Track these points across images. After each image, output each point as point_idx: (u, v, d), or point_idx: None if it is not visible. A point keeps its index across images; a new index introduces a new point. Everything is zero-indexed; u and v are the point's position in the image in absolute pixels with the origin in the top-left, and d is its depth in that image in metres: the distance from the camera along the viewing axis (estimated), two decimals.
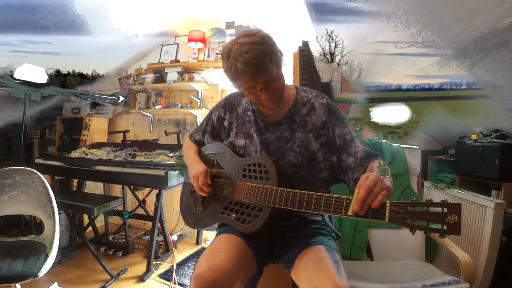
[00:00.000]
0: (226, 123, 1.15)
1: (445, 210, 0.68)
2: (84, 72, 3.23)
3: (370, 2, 2.03)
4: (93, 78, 3.30)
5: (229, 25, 3.10)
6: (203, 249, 2.67)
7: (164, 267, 2.27)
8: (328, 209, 0.81)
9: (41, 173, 1.52)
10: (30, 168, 1.53)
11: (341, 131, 1.01)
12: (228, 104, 1.15)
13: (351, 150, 0.98)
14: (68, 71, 3.07)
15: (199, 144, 1.23)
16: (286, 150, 1.03)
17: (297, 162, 1.01)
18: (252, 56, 0.87)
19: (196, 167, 1.08)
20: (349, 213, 0.74)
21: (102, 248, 2.48)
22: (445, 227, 0.67)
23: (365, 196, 0.72)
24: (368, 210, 0.73)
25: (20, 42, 2.48)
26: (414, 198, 0.72)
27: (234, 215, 0.96)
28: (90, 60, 3.02)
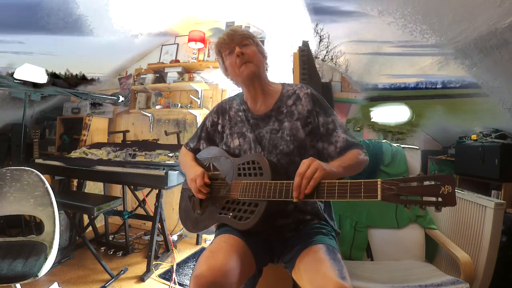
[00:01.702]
0: (219, 127, 1.21)
1: (438, 182, 0.67)
2: (88, 76, 3.23)
3: (370, 1, 2.03)
4: (92, 80, 3.30)
5: (229, 25, 3.09)
6: (203, 249, 2.67)
7: (164, 267, 2.27)
8: (322, 195, 0.81)
9: (41, 173, 1.52)
10: (30, 168, 1.53)
11: (324, 120, 1.06)
12: (221, 109, 1.22)
13: (332, 139, 1.03)
14: (72, 73, 3.06)
15: (195, 151, 1.28)
16: (277, 140, 1.06)
17: (289, 151, 1.04)
18: (236, 28, 1.15)
19: (193, 171, 1.11)
20: (294, 200, 0.82)
21: (102, 248, 2.48)
22: (439, 199, 0.66)
23: (298, 183, 0.81)
24: (361, 190, 0.74)
25: (20, 42, 2.49)
26: (405, 174, 0.72)
27: (231, 214, 0.97)
28: (91, 61, 3.02)
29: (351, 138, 1.03)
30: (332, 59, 2.87)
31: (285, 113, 1.08)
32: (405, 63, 2.42)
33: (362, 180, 0.75)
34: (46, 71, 2.32)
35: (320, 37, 2.61)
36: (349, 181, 0.78)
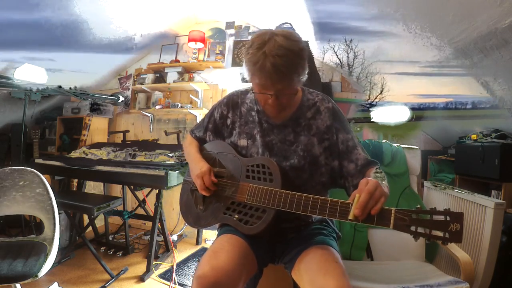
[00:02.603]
0: (229, 121, 1.13)
1: (448, 218, 0.70)
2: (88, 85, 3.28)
3: (368, 6, 2.02)
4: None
5: (229, 25, 3.10)
6: (203, 249, 2.67)
7: (164, 267, 2.27)
8: (333, 214, 0.81)
9: (41, 173, 1.52)
10: (30, 168, 1.53)
11: (344, 137, 1.01)
12: (232, 102, 1.13)
13: (353, 156, 0.99)
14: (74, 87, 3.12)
15: (201, 141, 1.21)
16: (289, 153, 1.02)
17: (299, 166, 1.00)
18: (284, 64, 0.85)
19: (199, 166, 1.06)
20: (350, 217, 0.76)
21: (102, 248, 2.48)
22: (447, 235, 0.69)
23: (366, 200, 0.74)
24: (373, 216, 0.74)
25: (51, 59, 2.56)
26: (418, 206, 0.74)
27: (236, 216, 0.96)
28: (89, 59, 3.01)
29: (368, 155, 1.00)
30: (367, 76, 2.87)
31: (303, 126, 1.03)
32: (434, 83, 2.41)
33: None
34: (75, 87, 2.38)
35: (355, 53, 2.62)
36: None
